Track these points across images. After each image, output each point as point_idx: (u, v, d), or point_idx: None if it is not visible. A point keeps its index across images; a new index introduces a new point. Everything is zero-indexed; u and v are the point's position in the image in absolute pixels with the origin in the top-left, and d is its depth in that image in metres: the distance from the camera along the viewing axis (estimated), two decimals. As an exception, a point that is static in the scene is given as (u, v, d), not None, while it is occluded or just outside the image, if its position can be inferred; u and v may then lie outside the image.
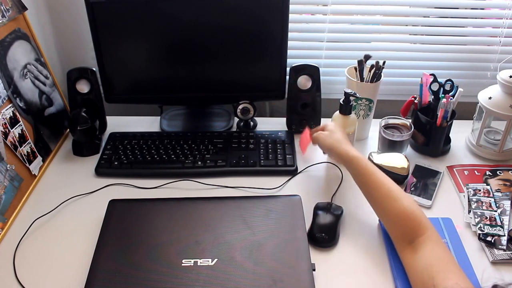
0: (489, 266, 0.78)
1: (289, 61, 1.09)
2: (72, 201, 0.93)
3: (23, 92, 0.97)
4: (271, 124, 1.18)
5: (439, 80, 1.04)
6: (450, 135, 1.07)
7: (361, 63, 1.04)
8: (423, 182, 0.97)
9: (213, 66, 1.09)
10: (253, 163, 1.01)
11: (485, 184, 0.95)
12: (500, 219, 0.85)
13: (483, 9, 1.16)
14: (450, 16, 1.16)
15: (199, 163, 1.01)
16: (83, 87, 1.08)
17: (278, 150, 1.04)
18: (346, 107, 0.98)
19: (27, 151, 0.95)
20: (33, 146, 0.97)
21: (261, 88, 1.13)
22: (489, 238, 0.82)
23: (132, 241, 0.78)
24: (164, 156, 1.02)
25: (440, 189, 0.96)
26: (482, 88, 1.05)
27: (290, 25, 1.04)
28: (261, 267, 0.73)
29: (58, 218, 0.89)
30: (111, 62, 1.08)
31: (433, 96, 1.05)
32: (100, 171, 1.00)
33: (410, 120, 1.06)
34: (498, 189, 0.94)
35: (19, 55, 0.98)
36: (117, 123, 1.17)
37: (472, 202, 0.90)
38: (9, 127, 0.89)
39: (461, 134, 1.12)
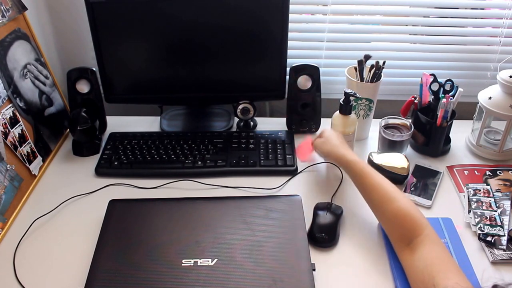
0: (489, 266, 0.78)
1: (289, 61, 1.09)
2: (72, 201, 0.93)
3: (23, 92, 0.97)
4: (271, 124, 1.18)
5: (439, 80, 1.04)
6: (450, 135, 1.07)
7: (361, 63, 1.04)
8: (423, 182, 0.97)
9: (213, 66, 1.09)
10: (253, 163, 1.01)
11: (485, 184, 0.95)
12: (500, 219, 0.85)
13: (483, 9, 1.16)
14: (450, 16, 1.16)
15: (199, 163, 1.01)
16: (83, 87, 1.08)
17: (278, 150, 1.05)
18: (346, 107, 0.98)
19: (27, 151, 0.95)
20: (33, 146, 0.97)
21: (261, 88, 1.13)
22: (489, 238, 0.82)
23: (132, 241, 0.78)
24: (164, 156, 1.02)
25: (440, 189, 0.96)
26: (482, 88, 1.05)
27: (290, 25, 1.04)
28: (261, 267, 0.73)
29: (58, 218, 0.89)
30: (111, 62, 1.08)
31: (433, 96, 1.05)
32: (100, 171, 1.00)
33: (410, 120, 1.06)
34: (498, 189, 0.94)
35: (19, 55, 0.98)
36: (117, 123, 1.17)
37: (472, 202, 0.90)
38: (9, 127, 0.90)
39: (461, 134, 1.12)
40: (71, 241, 0.84)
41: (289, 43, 1.07)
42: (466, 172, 1.00)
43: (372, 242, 0.83)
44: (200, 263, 0.73)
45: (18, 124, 0.93)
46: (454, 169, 1.01)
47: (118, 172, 1.00)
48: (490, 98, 1.00)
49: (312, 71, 1.09)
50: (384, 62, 1.03)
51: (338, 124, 1.00)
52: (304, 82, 1.09)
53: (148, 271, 0.72)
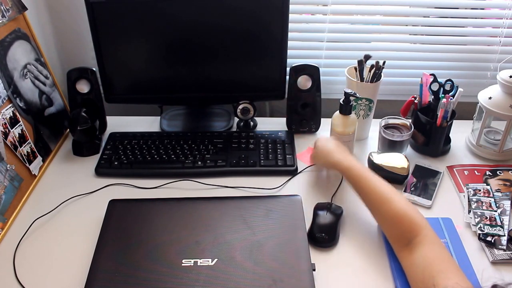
0: (489, 266, 0.78)
1: (289, 61, 1.09)
2: (72, 201, 0.93)
3: (23, 92, 0.97)
4: (271, 124, 1.18)
5: (439, 80, 1.04)
6: (450, 135, 1.07)
7: (361, 63, 1.04)
8: (423, 182, 0.97)
9: (213, 66, 1.09)
10: (253, 163, 1.01)
11: (485, 184, 0.95)
12: (500, 219, 0.85)
13: (483, 9, 1.16)
14: (450, 16, 1.16)
15: (199, 163, 1.01)
16: (83, 87, 1.08)
17: (278, 150, 1.05)
18: (346, 107, 0.98)
19: (27, 151, 0.95)
20: (33, 146, 0.97)
21: (261, 88, 1.13)
22: (489, 238, 0.82)
23: (132, 241, 0.78)
24: (164, 156, 1.02)
25: (440, 189, 0.96)
26: (482, 88, 1.05)
27: (290, 25, 1.04)
28: (261, 267, 0.73)
29: (58, 218, 0.89)
30: (111, 62, 1.08)
31: (433, 96, 1.05)
32: (100, 171, 1.00)
33: (410, 120, 1.06)
34: (498, 189, 0.94)
35: (19, 55, 0.98)
36: (117, 123, 1.17)
37: (472, 202, 0.90)
38: (9, 127, 0.89)
39: (461, 134, 1.12)
40: (71, 241, 0.84)
41: (289, 43, 1.07)
42: (466, 172, 1.00)
43: (372, 242, 0.83)
44: (200, 263, 0.73)
45: (18, 124, 0.93)
46: (454, 169, 1.01)
47: (118, 172, 1.00)
48: (490, 98, 1.00)
49: (312, 71, 1.09)
50: (384, 62, 1.03)
51: (338, 124, 1.00)
52: (304, 82, 1.09)
53: (148, 271, 0.72)
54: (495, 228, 0.83)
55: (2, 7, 0.92)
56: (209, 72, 1.10)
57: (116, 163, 1.01)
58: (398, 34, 1.19)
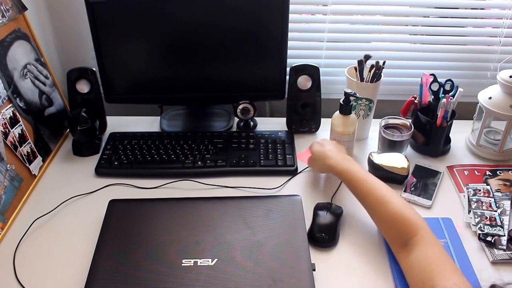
0: (489, 266, 0.78)
1: (289, 61, 1.09)
2: (72, 201, 0.93)
3: (23, 92, 0.97)
4: (271, 124, 1.18)
5: (439, 80, 1.04)
6: (450, 135, 1.07)
7: (361, 63, 1.04)
8: (423, 182, 0.97)
9: (213, 66, 1.09)
10: (253, 163, 1.01)
11: (485, 184, 0.95)
12: (500, 219, 0.85)
13: (483, 9, 1.16)
14: (450, 16, 1.16)
15: (199, 163, 1.01)
16: (83, 87, 1.08)
17: (278, 150, 1.05)
18: (346, 107, 0.98)
19: (27, 151, 0.95)
20: (33, 146, 0.97)
21: (261, 88, 1.13)
22: (489, 238, 0.82)
23: (132, 241, 0.78)
24: (164, 156, 1.02)
25: (440, 189, 0.96)
26: (482, 88, 1.05)
27: (290, 25, 1.04)
28: (261, 267, 0.73)
29: (58, 218, 0.89)
30: (111, 62, 1.08)
31: (433, 96, 1.05)
32: (100, 171, 1.00)
33: (410, 120, 1.06)
34: (498, 189, 0.94)
35: (19, 55, 0.98)
36: (117, 123, 1.17)
37: (472, 202, 0.90)
38: (9, 127, 0.90)
39: (461, 134, 1.12)
40: (71, 241, 0.84)
41: (289, 43, 1.07)
42: (466, 172, 1.00)
43: (372, 242, 0.83)
44: (200, 263, 0.73)
45: (18, 124, 0.93)
46: (454, 169, 1.01)
47: (118, 172, 1.00)
48: (490, 98, 1.00)
49: (312, 71, 1.09)
50: (384, 62, 1.03)
51: (338, 124, 1.00)
52: (304, 82, 1.09)
53: (148, 271, 0.72)
54: (495, 228, 0.83)
55: (2, 7, 0.92)
56: (209, 72, 1.10)
57: (116, 163, 1.01)
58: (398, 34, 1.19)
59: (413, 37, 1.21)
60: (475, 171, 1.00)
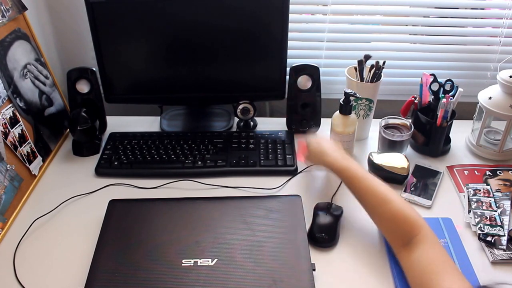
0: (489, 266, 0.78)
1: (289, 61, 1.09)
2: (72, 201, 0.93)
3: (23, 92, 0.97)
4: (271, 124, 1.18)
5: (439, 80, 1.04)
6: (450, 135, 1.07)
7: (361, 63, 1.04)
8: (423, 182, 0.97)
9: (213, 66, 1.09)
10: (253, 163, 1.01)
11: (485, 184, 0.95)
12: (500, 219, 0.85)
13: (483, 9, 1.16)
14: (450, 16, 1.16)
15: (199, 163, 1.01)
16: (83, 87, 1.08)
17: (278, 150, 1.05)
18: (346, 107, 0.98)
19: (27, 151, 0.95)
20: (33, 146, 0.97)
21: (261, 88, 1.13)
22: (489, 238, 0.82)
23: (132, 241, 0.78)
24: (164, 156, 1.02)
25: (440, 189, 0.96)
26: (482, 88, 1.05)
27: (290, 25, 1.04)
28: (261, 267, 0.73)
29: (58, 218, 0.89)
30: (111, 62, 1.08)
31: (433, 96, 1.05)
32: (100, 171, 1.00)
33: (410, 120, 1.06)
34: (498, 189, 0.94)
35: (19, 55, 0.98)
36: (117, 123, 1.17)
37: (472, 202, 0.90)
38: (9, 127, 0.89)
39: (461, 134, 1.12)
40: (71, 241, 0.84)
41: (289, 43, 1.07)
42: (466, 172, 1.00)
43: (372, 242, 0.83)
44: (200, 263, 0.73)
45: (18, 124, 0.93)
46: (454, 169, 1.01)
47: (118, 172, 1.00)
48: (490, 98, 1.00)
49: (312, 71, 1.09)
50: (384, 62, 1.03)
51: (338, 124, 1.00)
52: (304, 82, 1.09)
53: (148, 271, 0.72)
54: (495, 228, 0.83)
55: (2, 7, 0.92)
56: (209, 72, 1.10)
57: (116, 163, 1.01)
58: (398, 34, 1.19)
59: (413, 37, 1.21)
60: (475, 171, 1.00)
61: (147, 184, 0.97)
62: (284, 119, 1.15)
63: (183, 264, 0.73)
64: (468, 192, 0.93)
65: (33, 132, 0.99)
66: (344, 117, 0.99)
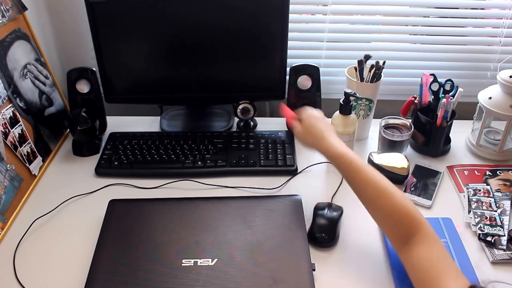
0: (489, 266, 0.78)
1: (289, 61, 1.09)
2: (72, 201, 0.93)
3: (23, 92, 0.97)
4: (271, 124, 1.18)
5: (439, 80, 1.04)
6: (450, 135, 1.07)
7: (361, 63, 1.04)
8: (423, 182, 0.97)
9: (213, 66, 1.09)
10: (253, 163, 1.01)
11: (485, 184, 0.95)
12: (500, 219, 0.85)
13: (483, 9, 1.16)
14: (450, 16, 1.16)
15: (199, 163, 1.01)
16: (83, 87, 1.08)
17: (278, 150, 1.04)
18: (346, 107, 0.98)
19: (27, 151, 0.95)
20: (33, 146, 0.97)
21: (261, 88, 1.13)
22: (489, 238, 0.82)
23: (132, 241, 0.78)
24: (164, 156, 1.02)
25: (440, 189, 0.96)
26: (482, 88, 1.05)
27: (290, 25, 1.04)
28: (261, 267, 0.73)
29: (58, 218, 0.89)
30: (111, 62, 1.08)
31: (433, 96, 1.05)
32: (100, 171, 1.00)
33: (410, 120, 1.06)
34: (498, 189, 0.94)
35: (19, 55, 0.98)
36: (117, 123, 1.17)
37: (472, 202, 0.90)
38: (9, 127, 0.89)
39: (461, 134, 1.12)
40: (71, 241, 0.84)
41: (289, 43, 1.07)
42: (466, 172, 1.00)
43: (372, 242, 0.83)
44: (200, 263, 0.73)
45: (18, 124, 0.93)
46: (454, 169, 1.01)
47: (118, 172, 1.00)
48: (490, 98, 1.00)
49: (312, 71, 1.09)
50: (384, 62, 1.03)
51: (338, 124, 1.00)
52: (304, 82, 1.09)
53: (148, 271, 0.72)
54: (495, 228, 0.83)
55: (2, 7, 0.92)
56: (209, 72, 1.10)
57: (116, 163, 1.01)
58: (398, 34, 1.19)
59: (413, 37, 1.21)
60: (475, 171, 1.00)
61: (147, 184, 0.97)
62: (284, 119, 1.15)
63: (183, 264, 0.73)
64: (468, 192, 0.93)
65: (33, 132, 0.99)
66: (344, 117, 0.99)
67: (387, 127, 1.05)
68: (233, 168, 1.00)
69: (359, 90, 1.02)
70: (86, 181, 0.99)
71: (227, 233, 0.79)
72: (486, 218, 0.86)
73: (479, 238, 0.83)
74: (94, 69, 1.08)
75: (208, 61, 1.08)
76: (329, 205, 0.87)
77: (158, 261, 0.74)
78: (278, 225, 0.80)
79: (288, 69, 1.10)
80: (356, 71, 1.06)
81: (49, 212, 0.89)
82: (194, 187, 0.97)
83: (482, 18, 1.16)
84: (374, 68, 1.04)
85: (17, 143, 0.91)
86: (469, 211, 0.88)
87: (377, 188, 0.73)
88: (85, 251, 0.80)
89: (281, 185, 0.97)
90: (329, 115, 1.07)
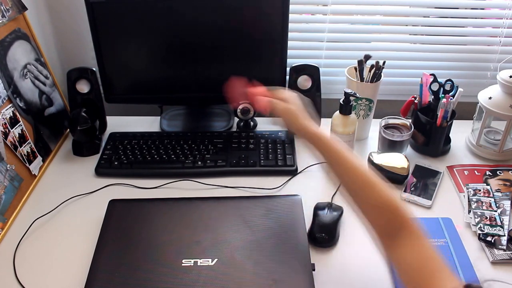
0: (489, 266, 0.78)
1: (289, 61, 1.09)
2: (72, 201, 0.93)
3: (23, 92, 0.97)
4: (271, 124, 1.17)
5: (439, 80, 1.04)
6: (450, 135, 1.07)
7: (361, 63, 1.04)
8: (423, 182, 0.97)
9: (213, 66, 1.09)
10: (253, 163, 1.01)
11: (485, 184, 0.95)
12: (500, 219, 0.85)
13: (483, 9, 1.16)
14: (450, 16, 1.16)
15: (199, 163, 1.01)
16: (83, 87, 1.08)
17: (278, 150, 1.04)
18: (346, 107, 0.98)
19: (27, 151, 0.95)
20: (33, 146, 0.97)
21: (261, 88, 1.13)
22: (489, 238, 0.82)
23: (132, 241, 0.78)
24: (164, 156, 1.02)
25: (440, 189, 0.96)
26: (482, 88, 1.05)
27: (290, 25, 1.04)
28: (261, 267, 0.73)
29: (58, 218, 0.89)
30: (111, 62, 1.08)
31: (433, 96, 1.05)
32: (100, 171, 1.00)
33: (410, 120, 1.06)
34: (498, 189, 0.94)
35: (19, 55, 0.98)
36: (117, 123, 1.17)
37: (472, 202, 0.90)
38: (9, 127, 0.89)
39: (461, 134, 1.12)
40: (71, 241, 0.84)
41: (289, 43, 1.07)
42: (466, 172, 1.00)
43: (372, 242, 0.83)
44: (200, 263, 0.73)
45: (18, 124, 0.93)
46: (454, 169, 1.01)
47: (118, 172, 1.00)
48: (490, 98, 1.00)
49: (312, 71, 1.09)
50: (384, 62, 1.03)
51: (338, 124, 1.00)
52: (304, 82, 1.09)
53: (148, 271, 0.72)
54: (495, 228, 0.83)
55: (2, 7, 0.92)
56: (209, 72, 1.10)
57: (116, 163, 1.01)
58: (398, 34, 1.19)
59: (413, 37, 1.21)
60: (475, 171, 1.00)
61: (147, 184, 0.97)
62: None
63: (183, 264, 0.73)
64: (468, 192, 0.93)
65: (33, 132, 0.99)
66: (344, 117, 0.99)
67: (387, 127, 1.05)
68: (233, 168, 1.00)
69: (359, 90, 1.02)
70: (86, 181, 0.99)
71: (227, 233, 0.79)
72: (486, 218, 0.86)
73: (479, 238, 0.83)
74: (94, 69, 1.08)
75: (208, 61, 1.08)
76: (329, 205, 0.87)
77: (158, 261, 0.74)
78: (278, 225, 0.80)
79: (288, 69, 1.10)
80: (356, 71, 1.06)
81: (49, 212, 0.89)
82: (194, 187, 0.97)
83: (482, 18, 1.16)
84: (374, 68, 1.04)
85: (17, 143, 0.91)
86: (469, 211, 0.88)
87: (365, 176, 0.68)
88: (85, 251, 0.80)
89: (281, 185, 0.97)
90: (329, 115, 1.07)
